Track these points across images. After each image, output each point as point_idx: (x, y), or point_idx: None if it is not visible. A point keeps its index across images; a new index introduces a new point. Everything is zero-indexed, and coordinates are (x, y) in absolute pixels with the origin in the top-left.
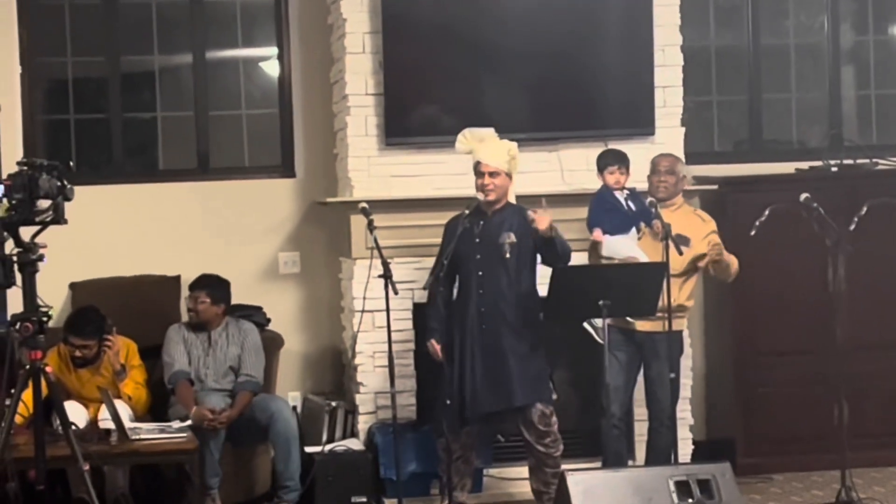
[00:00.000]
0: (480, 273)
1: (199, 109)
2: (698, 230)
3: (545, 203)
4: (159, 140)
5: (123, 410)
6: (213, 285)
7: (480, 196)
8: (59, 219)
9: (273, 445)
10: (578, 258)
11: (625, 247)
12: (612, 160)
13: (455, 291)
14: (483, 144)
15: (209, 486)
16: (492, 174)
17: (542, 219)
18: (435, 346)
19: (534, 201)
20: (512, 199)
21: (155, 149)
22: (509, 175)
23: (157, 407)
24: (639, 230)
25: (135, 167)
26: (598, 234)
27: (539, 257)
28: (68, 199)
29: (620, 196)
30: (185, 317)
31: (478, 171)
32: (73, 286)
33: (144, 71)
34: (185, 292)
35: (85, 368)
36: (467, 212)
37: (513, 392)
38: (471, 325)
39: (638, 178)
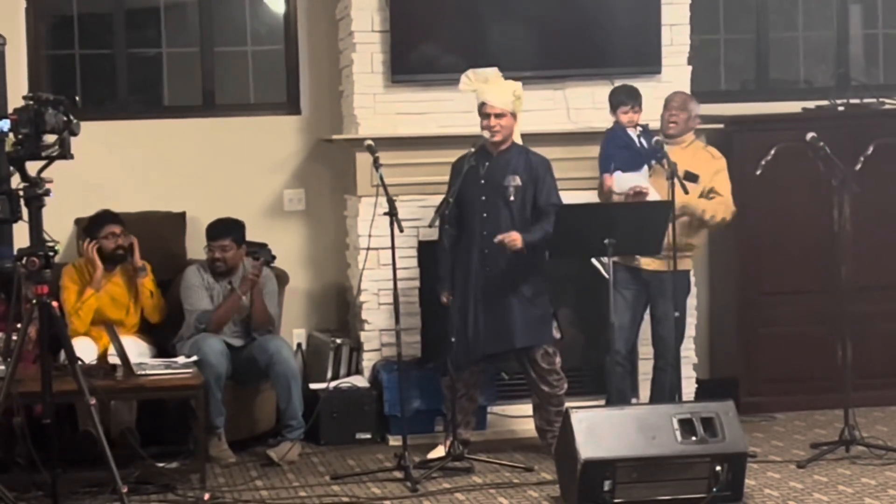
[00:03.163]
0: (485, 214)
1: (204, 45)
2: (707, 166)
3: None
4: (164, 76)
5: (133, 346)
6: (233, 229)
7: (487, 134)
8: (65, 154)
9: (274, 385)
10: (588, 196)
11: (633, 179)
12: (624, 98)
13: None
14: (488, 85)
15: (215, 426)
16: (497, 115)
17: (511, 241)
18: (446, 297)
19: (540, 139)
20: (517, 139)
21: (160, 85)
22: (514, 115)
23: (162, 344)
24: (650, 167)
25: (139, 103)
26: (609, 179)
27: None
28: (74, 134)
29: (633, 133)
30: (190, 253)
31: (483, 112)
32: (78, 222)
33: (149, 7)
34: (190, 229)
35: (115, 270)
36: (473, 150)
37: (514, 334)
38: (474, 267)
39: (645, 116)
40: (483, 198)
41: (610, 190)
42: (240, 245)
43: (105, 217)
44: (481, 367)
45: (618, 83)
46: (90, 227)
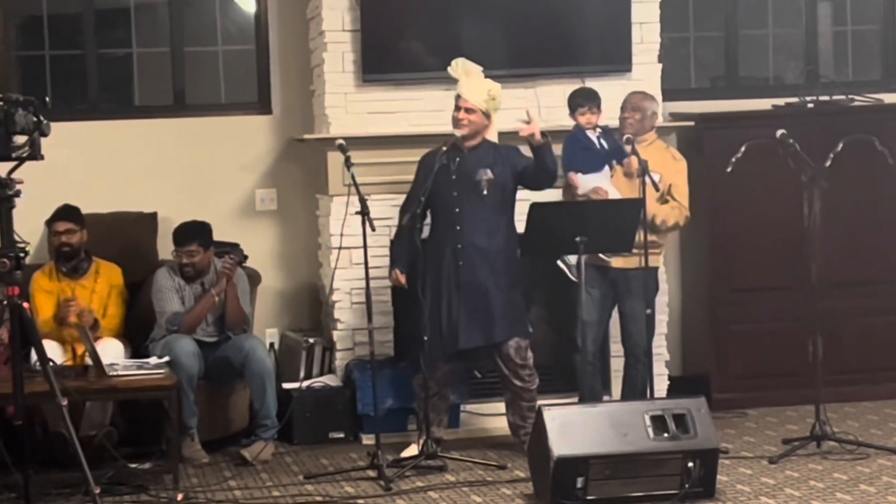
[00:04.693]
0: (458, 210)
1: (174, 45)
2: (668, 167)
3: (529, 114)
4: (135, 76)
5: (109, 347)
6: (200, 233)
7: (454, 128)
8: (35, 154)
9: (249, 384)
10: (554, 195)
11: (593, 181)
12: (581, 100)
13: (427, 228)
14: (467, 79)
15: (188, 426)
16: (468, 110)
17: (532, 126)
18: (398, 275)
19: (511, 138)
20: (494, 139)
21: (130, 85)
22: (487, 115)
23: (135, 344)
24: (611, 168)
25: (110, 103)
26: (574, 178)
27: (523, 184)
28: (44, 135)
29: (593, 135)
30: (161, 254)
31: (456, 104)
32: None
33: (119, 7)
34: (161, 229)
35: (72, 279)
36: (445, 148)
37: (493, 328)
38: (447, 262)
39: (615, 114)
40: (455, 193)
41: (573, 190)
42: (207, 248)
43: (58, 213)
44: (453, 366)
45: (588, 81)
46: (49, 219)
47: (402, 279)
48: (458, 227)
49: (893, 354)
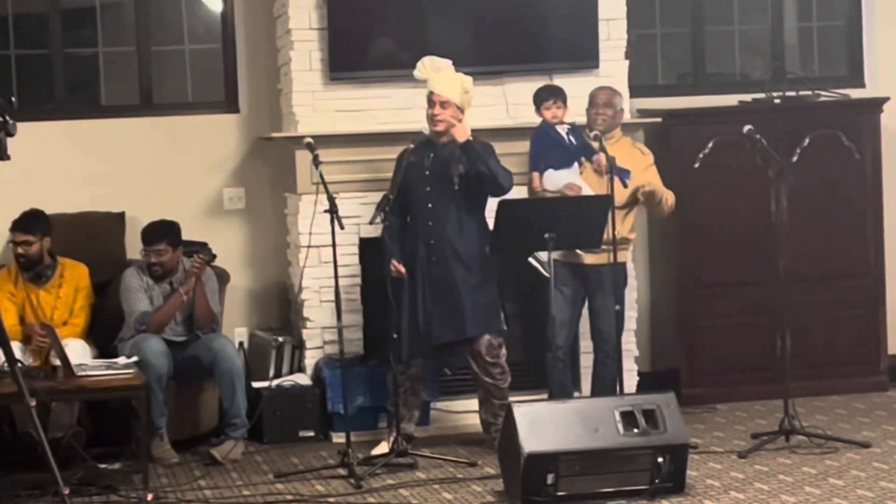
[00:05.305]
0: (430, 205)
1: (141, 45)
2: (638, 163)
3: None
4: (101, 76)
5: (76, 348)
6: (168, 232)
7: (429, 126)
8: (1, 155)
9: (218, 384)
10: (521, 192)
11: (565, 177)
12: (546, 95)
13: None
14: (438, 75)
15: (157, 426)
16: (443, 104)
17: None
18: (397, 265)
19: (479, 135)
20: (468, 134)
21: (97, 85)
22: (461, 109)
23: (103, 344)
24: (580, 164)
25: (77, 103)
26: (537, 179)
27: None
28: (11, 135)
29: (561, 130)
30: (129, 253)
31: (429, 100)
32: None
33: (85, 6)
34: (129, 229)
35: (36, 285)
36: (412, 146)
37: (465, 323)
38: (420, 257)
39: (582, 111)
40: (428, 189)
41: (541, 188)
42: (176, 247)
43: (16, 222)
44: (427, 362)
45: (556, 78)
46: (11, 226)
47: (402, 268)
48: (430, 223)
49: (861, 348)
